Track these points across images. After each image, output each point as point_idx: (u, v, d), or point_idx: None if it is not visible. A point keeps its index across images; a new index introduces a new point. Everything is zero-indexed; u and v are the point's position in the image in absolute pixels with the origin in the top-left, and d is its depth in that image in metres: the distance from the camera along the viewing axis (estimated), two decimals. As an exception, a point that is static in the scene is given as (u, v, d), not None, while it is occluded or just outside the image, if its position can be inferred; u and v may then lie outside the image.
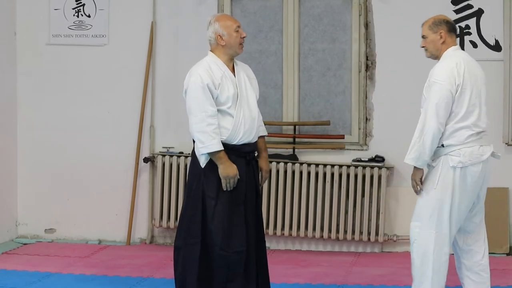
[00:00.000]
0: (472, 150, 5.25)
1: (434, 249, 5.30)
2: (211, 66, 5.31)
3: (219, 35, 5.34)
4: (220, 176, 5.25)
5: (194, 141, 5.43)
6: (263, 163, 5.62)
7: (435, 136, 5.18)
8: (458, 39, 7.39)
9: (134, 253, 7.54)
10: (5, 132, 7.96)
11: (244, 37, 5.41)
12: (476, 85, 5.31)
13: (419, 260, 5.33)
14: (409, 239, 7.40)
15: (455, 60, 5.29)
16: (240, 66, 5.51)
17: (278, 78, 7.80)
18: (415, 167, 5.29)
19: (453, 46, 5.40)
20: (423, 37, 5.43)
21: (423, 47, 5.46)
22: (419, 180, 5.33)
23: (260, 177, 5.60)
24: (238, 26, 5.39)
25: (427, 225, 5.29)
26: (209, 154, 5.24)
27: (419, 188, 5.32)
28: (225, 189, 5.25)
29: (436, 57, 5.43)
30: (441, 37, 5.36)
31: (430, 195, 5.29)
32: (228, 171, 5.25)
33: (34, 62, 8.06)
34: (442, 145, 5.25)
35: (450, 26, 5.41)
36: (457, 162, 5.23)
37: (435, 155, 5.29)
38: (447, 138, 5.24)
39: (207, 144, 5.21)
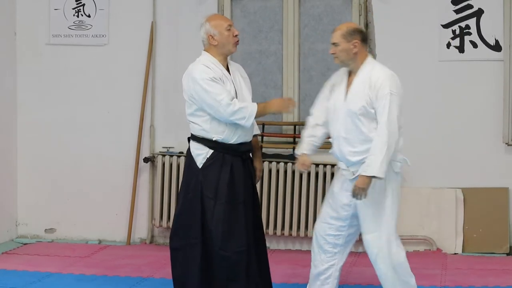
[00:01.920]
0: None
1: (404, 254, 5.36)
2: (209, 65, 5.31)
3: (211, 35, 5.35)
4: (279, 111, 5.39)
5: (189, 140, 5.43)
6: (257, 162, 5.63)
7: (395, 148, 5.19)
8: (458, 39, 7.40)
9: (134, 253, 7.54)
10: (5, 132, 7.96)
11: (236, 35, 5.39)
12: None
13: (406, 269, 5.34)
14: (409, 239, 7.44)
15: (389, 70, 5.29)
16: (233, 65, 5.52)
17: (278, 78, 7.80)
18: (367, 177, 5.14)
19: (369, 56, 5.37)
20: (334, 44, 5.31)
21: (332, 53, 5.34)
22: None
23: (255, 177, 5.61)
24: (229, 25, 5.38)
25: (389, 234, 5.31)
26: (256, 115, 5.30)
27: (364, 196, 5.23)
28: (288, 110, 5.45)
29: (347, 65, 5.35)
30: (354, 47, 5.28)
31: (387, 203, 5.29)
32: (279, 105, 5.43)
33: (34, 62, 8.06)
34: None
35: (364, 36, 5.35)
36: (399, 167, 5.29)
37: None
38: None
39: (248, 115, 5.25)
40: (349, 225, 5.47)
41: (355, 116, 5.25)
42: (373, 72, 5.26)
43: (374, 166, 5.12)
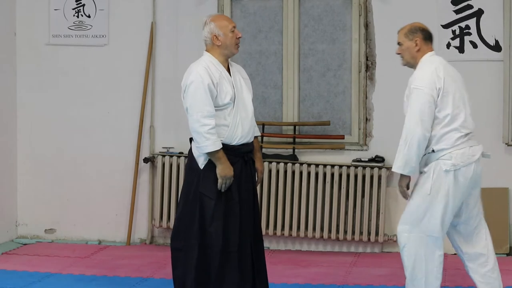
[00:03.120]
0: (464, 152, 5.28)
1: (425, 253, 5.31)
2: (209, 65, 5.31)
3: (215, 35, 5.34)
4: (218, 176, 5.26)
5: (191, 141, 5.44)
6: (258, 163, 5.62)
7: (421, 143, 5.20)
8: (458, 39, 7.40)
9: (134, 254, 7.54)
10: (5, 132, 7.96)
11: (239, 37, 5.42)
12: (457, 88, 5.34)
13: (410, 264, 5.33)
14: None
15: (433, 65, 5.32)
16: (234, 66, 5.51)
17: (278, 78, 7.80)
18: (401, 174, 5.30)
19: (429, 52, 5.41)
20: (398, 43, 5.45)
21: (398, 54, 5.48)
22: (405, 186, 5.36)
23: (256, 178, 5.61)
24: (234, 27, 5.39)
25: (417, 229, 5.30)
26: (207, 154, 5.25)
27: (407, 194, 5.32)
28: (219, 189, 5.26)
29: (412, 65, 5.44)
30: (416, 45, 5.38)
31: (423, 199, 5.29)
32: (226, 171, 5.26)
33: (34, 62, 8.07)
34: (433, 150, 5.26)
35: (426, 34, 5.42)
36: (450, 166, 5.25)
37: (427, 161, 5.30)
38: (437, 143, 5.26)
39: (201, 145, 5.23)
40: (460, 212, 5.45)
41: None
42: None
43: (394, 162, 5.27)
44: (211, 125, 5.22)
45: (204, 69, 5.27)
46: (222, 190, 5.28)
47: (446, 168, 5.24)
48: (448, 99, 5.26)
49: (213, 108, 5.24)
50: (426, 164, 5.32)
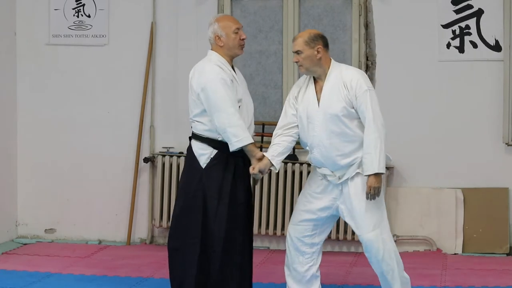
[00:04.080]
0: None
1: (395, 248, 5.39)
2: (220, 65, 5.30)
3: (218, 36, 5.33)
4: (255, 169, 5.24)
5: (190, 140, 5.41)
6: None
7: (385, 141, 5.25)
8: (458, 39, 7.40)
9: (134, 253, 7.54)
10: (5, 132, 7.96)
11: (244, 38, 5.38)
12: None
13: (395, 264, 5.35)
14: (409, 239, 7.46)
15: (358, 69, 5.37)
16: (235, 68, 5.51)
17: (278, 78, 7.80)
18: (379, 175, 5.19)
19: (332, 60, 5.37)
20: (297, 52, 5.28)
21: (296, 62, 5.32)
22: None
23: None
24: (238, 28, 5.36)
25: (385, 230, 5.34)
26: (243, 147, 5.24)
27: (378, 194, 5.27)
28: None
29: (314, 72, 5.33)
30: (318, 53, 5.27)
31: (378, 201, 5.30)
32: (261, 164, 5.27)
33: (34, 62, 8.06)
34: None
35: (325, 41, 5.35)
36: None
37: (360, 162, 5.27)
38: None
39: (241, 137, 5.21)
40: (326, 226, 5.50)
41: (337, 119, 5.24)
42: (343, 74, 5.28)
43: (375, 164, 5.15)
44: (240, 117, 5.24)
45: (218, 67, 5.26)
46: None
47: None
48: None
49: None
50: (359, 165, 5.28)
